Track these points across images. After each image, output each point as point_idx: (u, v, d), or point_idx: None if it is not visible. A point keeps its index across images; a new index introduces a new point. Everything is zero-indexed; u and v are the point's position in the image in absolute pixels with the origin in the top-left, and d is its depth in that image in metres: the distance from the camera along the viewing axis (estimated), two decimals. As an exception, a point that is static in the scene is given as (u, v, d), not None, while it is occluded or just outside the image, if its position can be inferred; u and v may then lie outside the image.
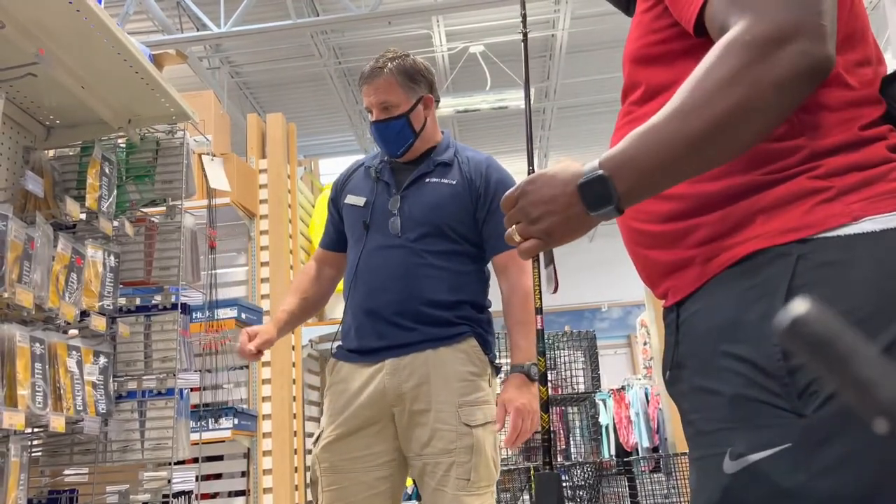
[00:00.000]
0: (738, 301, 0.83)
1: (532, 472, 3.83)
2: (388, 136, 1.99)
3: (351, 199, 2.06)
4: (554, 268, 1.04)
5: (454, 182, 1.99)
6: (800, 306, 0.44)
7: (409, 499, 5.54)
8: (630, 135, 0.84)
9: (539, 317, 1.07)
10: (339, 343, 2.04)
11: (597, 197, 0.84)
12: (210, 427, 3.37)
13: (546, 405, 1.03)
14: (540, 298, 1.06)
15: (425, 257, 1.92)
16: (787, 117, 0.81)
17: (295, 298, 2.14)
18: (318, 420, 4.35)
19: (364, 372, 1.92)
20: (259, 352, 2.03)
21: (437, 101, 2.08)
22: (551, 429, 1.01)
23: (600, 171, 0.83)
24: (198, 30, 6.53)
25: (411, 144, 2.01)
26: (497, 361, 2.02)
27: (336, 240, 2.15)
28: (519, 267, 1.94)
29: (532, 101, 7.81)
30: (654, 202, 0.92)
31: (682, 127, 0.80)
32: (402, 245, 1.94)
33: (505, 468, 3.84)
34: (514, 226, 0.92)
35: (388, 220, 1.97)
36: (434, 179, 2.00)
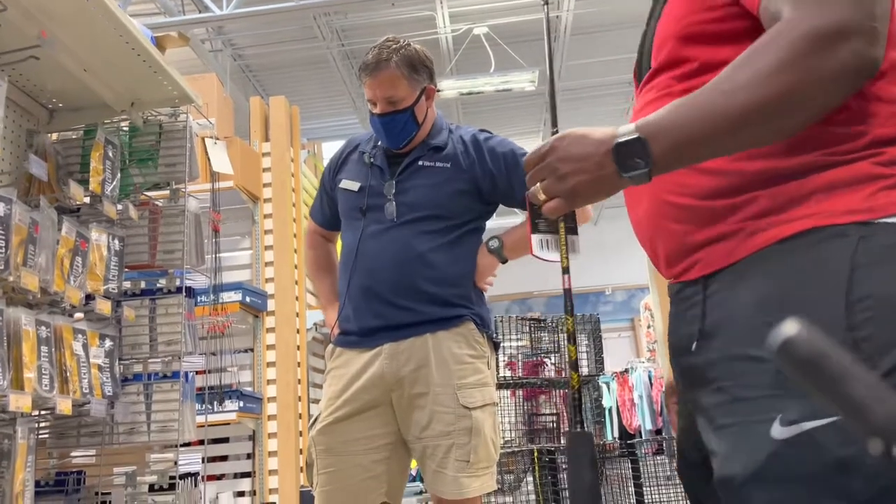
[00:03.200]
0: (792, 275, 0.84)
1: (536, 453, 3.86)
2: (392, 130, 1.98)
3: (345, 184, 2.05)
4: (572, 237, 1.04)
5: (448, 165, 1.99)
6: (791, 327, 0.44)
7: (414, 480, 5.58)
8: (672, 104, 0.86)
9: (566, 276, 1.08)
10: (338, 330, 2.04)
11: (632, 159, 0.85)
12: (215, 409, 3.40)
13: (575, 364, 1.05)
14: (567, 258, 1.07)
15: (421, 239, 1.93)
16: (825, 114, 0.84)
17: (330, 276, 2.19)
18: (322, 402, 4.37)
19: (363, 357, 1.93)
20: None
21: (438, 90, 2.09)
22: (578, 394, 1.02)
23: (638, 134, 0.85)
24: (200, 12, 6.49)
25: (414, 136, 2.00)
26: (496, 338, 2.04)
27: (331, 221, 2.18)
28: None
29: (536, 84, 7.75)
30: (693, 176, 0.93)
31: (727, 104, 0.82)
32: (398, 229, 1.94)
33: (508, 450, 3.86)
34: (538, 183, 0.92)
35: (383, 205, 1.97)
36: (428, 163, 2.00)
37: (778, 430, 0.79)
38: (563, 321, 4.16)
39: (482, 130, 2.09)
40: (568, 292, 1.05)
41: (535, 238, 1.02)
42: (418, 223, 1.94)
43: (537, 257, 1.02)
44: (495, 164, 1.99)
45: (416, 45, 2.02)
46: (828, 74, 0.79)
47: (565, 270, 1.04)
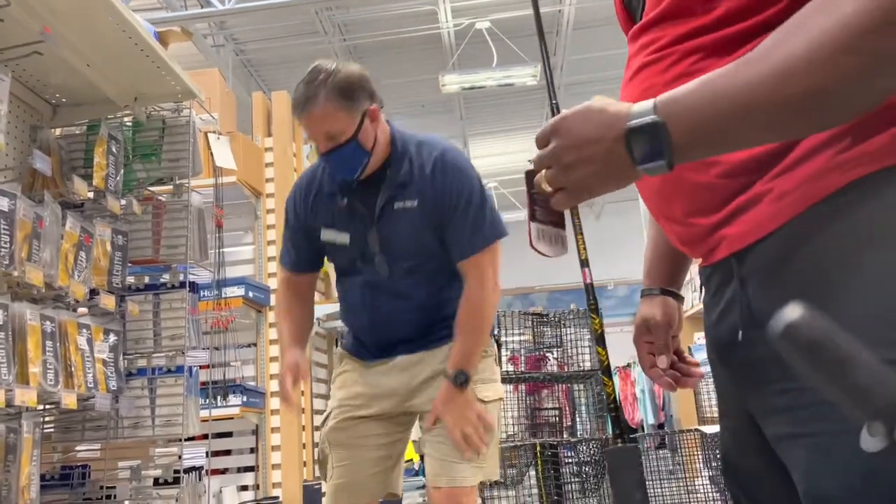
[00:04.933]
0: (861, 236, 0.70)
1: (538, 447, 3.86)
2: (340, 165, 1.85)
3: (331, 236, 1.94)
4: (563, 232, 0.91)
5: (415, 203, 1.87)
6: (793, 311, 0.44)
7: (416, 474, 5.59)
8: (701, 80, 0.70)
9: (586, 269, 0.91)
10: (345, 340, 2.09)
11: (647, 147, 0.70)
12: (219, 404, 3.41)
13: (608, 370, 0.90)
14: (585, 249, 0.92)
15: (424, 287, 1.92)
16: None
17: (300, 312, 2.07)
18: (325, 397, 4.38)
19: (375, 368, 1.99)
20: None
21: (382, 106, 1.89)
22: (614, 404, 0.87)
23: (654, 117, 0.70)
24: (202, 6, 6.48)
25: (367, 164, 1.86)
26: (496, 337, 2.07)
27: (304, 262, 2.05)
28: (478, 277, 1.87)
29: (538, 78, 7.73)
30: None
31: (773, 90, 0.66)
32: (400, 281, 1.91)
33: (511, 444, 3.87)
34: (543, 171, 0.77)
35: (374, 259, 1.91)
36: (399, 204, 1.87)
37: (868, 442, 0.65)
38: (565, 316, 4.16)
39: (444, 154, 1.89)
40: (590, 287, 0.90)
41: (533, 227, 0.87)
42: (415, 274, 1.91)
43: (535, 249, 0.88)
44: (443, 200, 1.86)
45: (347, 67, 1.84)
46: None
47: (584, 263, 0.89)
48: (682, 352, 1.17)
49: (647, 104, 0.71)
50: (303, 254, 2.03)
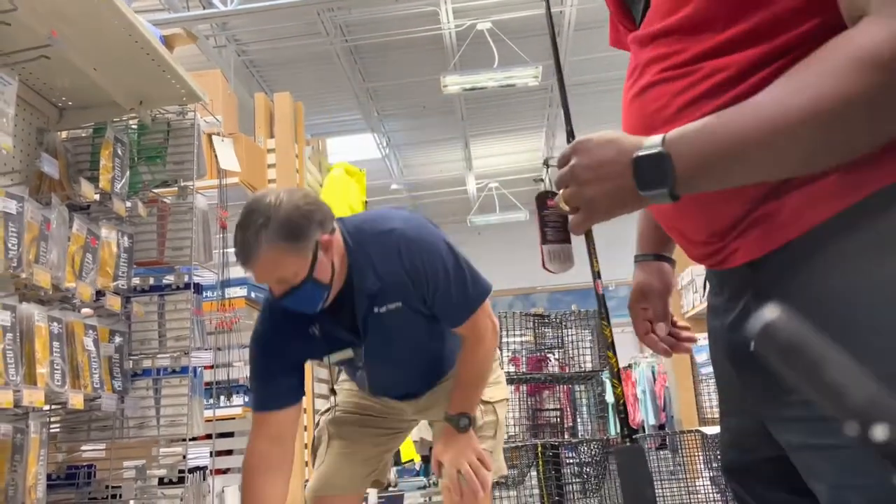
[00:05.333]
0: (873, 249, 0.72)
1: (540, 448, 3.88)
2: (299, 304, 1.68)
3: (333, 358, 1.85)
4: (570, 246, 0.97)
5: (400, 304, 1.74)
6: (771, 312, 0.45)
7: (417, 474, 5.61)
8: (710, 119, 0.74)
9: (598, 281, 1.00)
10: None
11: (651, 175, 0.74)
12: (222, 404, 3.42)
13: (618, 374, 0.96)
14: (597, 261, 1.00)
15: (416, 366, 1.92)
16: None
17: None
18: (325, 397, 4.40)
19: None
20: None
21: (334, 230, 1.69)
22: (624, 406, 0.93)
23: (661, 149, 0.74)
24: (204, 7, 6.50)
25: (328, 296, 1.70)
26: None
27: (290, 387, 1.83)
28: (476, 334, 1.82)
29: (539, 79, 7.73)
30: None
31: (776, 135, 0.69)
32: (392, 375, 1.91)
33: (512, 445, 3.88)
34: (562, 191, 0.82)
35: (357, 372, 1.88)
36: (379, 309, 1.74)
37: None
38: (566, 317, 4.18)
39: (404, 235, 1.73)
40: (602, 298, 0.98)
41: (545, 249, 0.94)
42: (411, 361, 1.91)
43: (547, 269, 0.94)
44: (420, 283, 1.75)
45: (290, 199, 1.62)
46: None
47: (597, 275, 0.95)
48: (673, 315, 1.18)
49: (657, 138, 0.75)
50: (283, 383, 1.84)
